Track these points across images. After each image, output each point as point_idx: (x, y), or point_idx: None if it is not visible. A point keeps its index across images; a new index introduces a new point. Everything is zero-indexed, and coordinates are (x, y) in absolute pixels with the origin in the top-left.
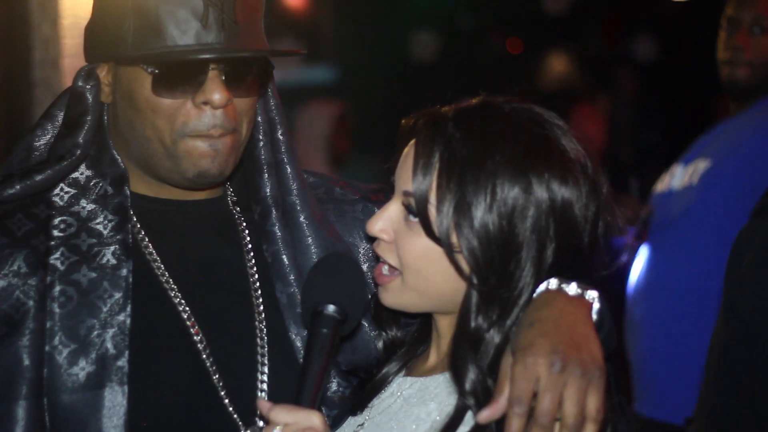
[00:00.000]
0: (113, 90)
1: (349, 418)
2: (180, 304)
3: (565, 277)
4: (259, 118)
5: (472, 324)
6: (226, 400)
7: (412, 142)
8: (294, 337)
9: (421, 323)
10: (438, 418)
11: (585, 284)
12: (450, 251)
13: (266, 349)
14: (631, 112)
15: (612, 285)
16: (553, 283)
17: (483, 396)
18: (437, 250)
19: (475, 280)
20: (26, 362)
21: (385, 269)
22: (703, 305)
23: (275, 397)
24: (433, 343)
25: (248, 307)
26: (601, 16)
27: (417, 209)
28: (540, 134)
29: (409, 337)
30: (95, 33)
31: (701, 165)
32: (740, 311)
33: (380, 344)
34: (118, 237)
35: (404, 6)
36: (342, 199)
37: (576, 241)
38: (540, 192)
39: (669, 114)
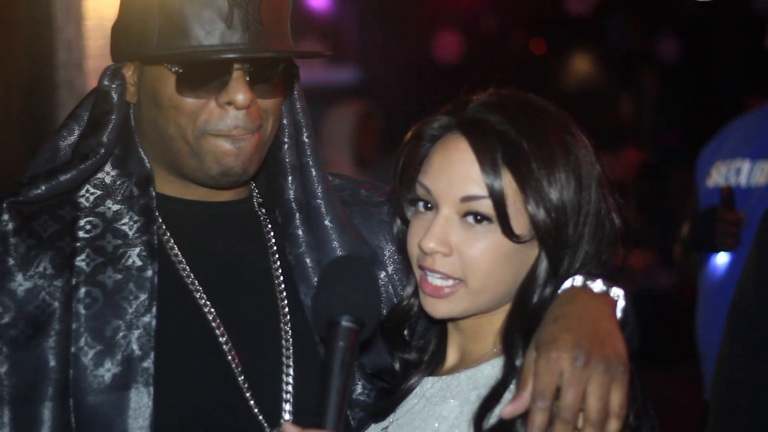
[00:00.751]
0: (138, 89)
1: (372, 424)
2: (205, 305)
3: (591, 275)
4: (285, 121)
5: (535, 298)
6: (252, 402)
7: (444, 147)
8: (318, 339)
9: (437, 336)
10: (460, 413)
11: (610, 282)
12: (548, 241)
13: (291, 351)
14: (654, 112)
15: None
16: (578, 279)
17: None
18: (508, 246)
19: (550, 250)
20: (52, 363)
21: (447, 282)
22: None
23: (300, 399)
24: (452, 344)
25: (273, 309)
26: (624, 16)
27: (496, 210)
28: (560, 116)
29: (429, 354)
30: (121, 32)
31: None
32: None
33: (397, 366)
34: (143, 238)
35: (428, 7)
36: (368, 201)
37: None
38: (583, 161)
39: (692, 114)
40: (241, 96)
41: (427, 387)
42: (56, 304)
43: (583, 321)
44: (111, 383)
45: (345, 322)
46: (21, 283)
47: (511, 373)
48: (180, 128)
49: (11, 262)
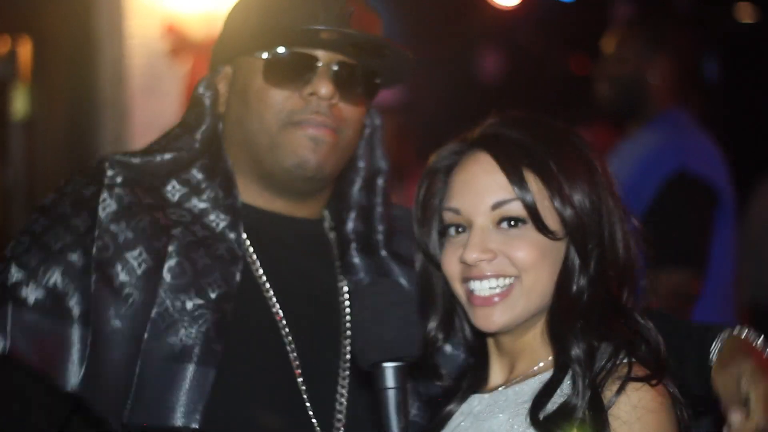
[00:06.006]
0: (229, 97)
1: None
2: (277, 313)
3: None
4: (361, 164)
5: (574, 287)
6: (308, 404)
7: (464, 166)
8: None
9: (476, 361)
10: (510, 427)
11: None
12: (577, 235)
13: (348, 365)
14: None
15: None
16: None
17: (587, 360)
18: (545, 242)
19: (579, 243)
20: (134, 322)
21: (498, 287)
22: None
23: (353, 407)
24: (495, 366)
25: (336, 325)
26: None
27: (528, 209)
28: (565, 127)
29: (467, 380)
30: (220, 41)
31: None
32: None
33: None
34: (231, 236)
35: (470, 24)
36: None
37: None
38: (595, 163)
39: (734, 135)
40: (324, 88)
41: (474, 404)
42: (150, 264)
43: None
44: (179, 354)
45: (389, 369)
46: (123, 231)
47: (563, 366)
48: (264, 121)
49: (116, 207)
